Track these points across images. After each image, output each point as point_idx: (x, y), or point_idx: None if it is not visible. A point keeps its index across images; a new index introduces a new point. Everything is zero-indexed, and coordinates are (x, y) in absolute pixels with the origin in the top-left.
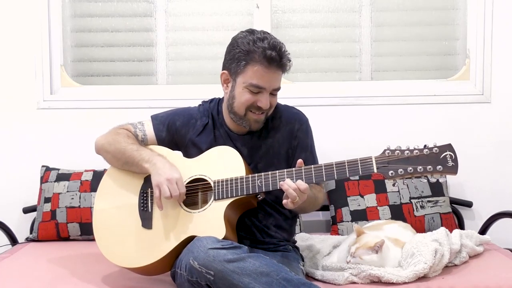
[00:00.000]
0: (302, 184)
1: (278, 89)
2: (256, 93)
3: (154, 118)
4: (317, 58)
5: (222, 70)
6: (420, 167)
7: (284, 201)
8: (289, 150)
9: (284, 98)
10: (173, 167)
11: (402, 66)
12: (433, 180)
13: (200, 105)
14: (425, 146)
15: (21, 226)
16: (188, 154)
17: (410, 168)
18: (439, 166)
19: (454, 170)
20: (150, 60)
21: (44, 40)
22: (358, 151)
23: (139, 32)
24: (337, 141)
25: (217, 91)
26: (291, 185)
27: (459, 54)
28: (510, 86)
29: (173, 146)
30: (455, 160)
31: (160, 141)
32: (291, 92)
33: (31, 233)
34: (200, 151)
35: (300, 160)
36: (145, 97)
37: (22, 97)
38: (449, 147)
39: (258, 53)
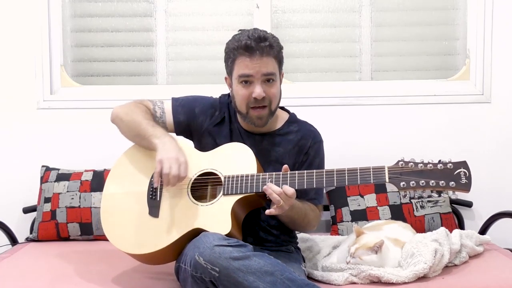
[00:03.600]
0: (288, 189)
1: (270, 74)
2: (248, 85)
3: (175, 100)
4: (317, 58)
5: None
6: (433, 181)
7: (267, 211)
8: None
9: (284, 98)
10: (181, 151)
11: (402, 66)
12: (444, 195)
13: (220, 96)
14: (439, 161)
15: (21, 226)
16: (202, 144)
17: (423, 181)
18: (452, 182)
19: (467, 187)
20: (150, 60)
21: (44, 40)
22: (358, 151)
23: (139, 32)
24: (337, 141)
25: (217, 91)
26: (275, 189)
27: (459, 54)
28: (510, 86)
29: (188, 132)
30: (468, 178)
31: (177, 123)
32: (291, 92)
33: (31, 233)
34: (214, 141)
35: (285, 166)
36: (145, 97)
37: (22, 97)
38: (464, 164)
39: (238, 46)
